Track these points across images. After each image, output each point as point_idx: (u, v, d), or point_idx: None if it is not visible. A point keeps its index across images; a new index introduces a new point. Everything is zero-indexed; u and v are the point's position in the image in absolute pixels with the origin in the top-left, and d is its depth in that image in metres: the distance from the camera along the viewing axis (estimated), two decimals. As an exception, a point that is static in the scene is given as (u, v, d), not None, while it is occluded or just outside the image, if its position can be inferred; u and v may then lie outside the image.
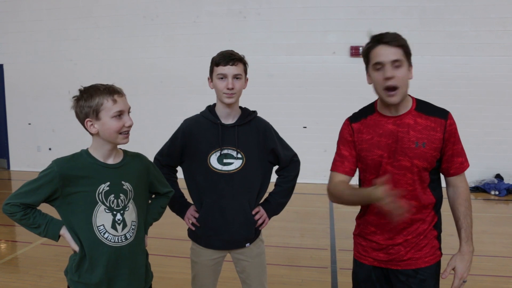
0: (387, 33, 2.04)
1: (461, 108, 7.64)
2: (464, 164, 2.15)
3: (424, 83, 7.54)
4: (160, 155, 2.58)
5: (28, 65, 9.41)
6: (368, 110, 2.21)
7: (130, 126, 1.97)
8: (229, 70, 2.36)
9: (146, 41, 8.79)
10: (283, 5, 8.28)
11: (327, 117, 8.01)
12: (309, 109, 8.23)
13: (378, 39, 2.03)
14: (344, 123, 2.26)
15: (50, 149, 9.45)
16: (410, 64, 2.05)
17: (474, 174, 7.79)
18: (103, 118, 1.92)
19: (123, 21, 8.86)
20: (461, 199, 2.13)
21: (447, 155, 2.09)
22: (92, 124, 1.94)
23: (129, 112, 2.00)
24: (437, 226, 2.20)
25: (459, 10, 7.68)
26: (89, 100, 1.91)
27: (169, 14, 8.65)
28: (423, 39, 7.70)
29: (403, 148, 2.05)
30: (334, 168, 2.24)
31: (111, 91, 1.93)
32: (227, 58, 2.37)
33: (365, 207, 2.23)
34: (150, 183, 2.19)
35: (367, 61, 2.10)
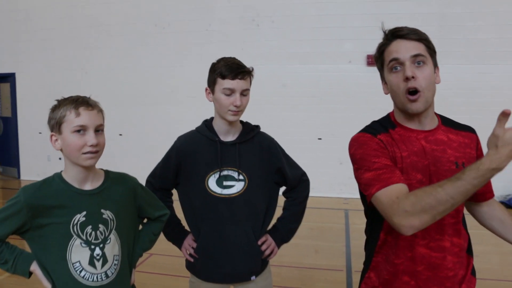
0: (404, 27, 1.68)
1: (483, 119, 7.27)
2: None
3: (444, 93, 7.23)
4: (152, 177, 2.31)
5: (39, 74, 9.32)
6: (386, 123, 1.74)
7: (94, 146, 1.67)
8: (238, 84, 2.07)
9: (158, 49, 8.63)
10: (297, 13, 8.05)
11: (343, 128, 7.72)
12: (324, 120, 7.98)
13: (393, 34, 1.67)
14: (363, 137, 1.71)
15: (60, 158, 9.30)
16: (436, 65, 1.68)
17: (498, 188, 7.38)
18: (64, 132, 1.67)
19: (135, 30, 8.72)
20: (506, 213, 1.82)
21: None
22: (56, 139, 1.70)
23: (99, 130, 1.71)
24: (474, 272, 1.80)
25: (480, 17, 7.38)
26: (56, 111, 1.68)
27: (180, 22, 8.49)
28: (443, 47, 7.32)
29: (443, 171, 1.63)
30: (384, 182, 1.56)
31: (79, 102, 1.67)
32: (235, 70, 2.06)
33: (387, 240, 1.73)
34: (139, 207, 1.92)
35: (381, 64, 1.72)
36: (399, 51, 1.63)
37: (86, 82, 8.81)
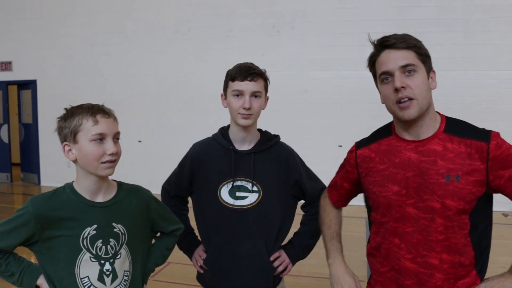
0: (393, 35, 1.63)
1: (509, 127, 7.14)
2: None
3: (468, 100, 7.13)
4: (168, 184, 2.24)
5: (60, 81, 9.35)
6: (383, 132, 1.77)
7: (113, 155, 1.61)
8: (247, 86, 1.99)
9: (177, 56, 8.61)
10: (318, 19, 7.97)
11: (363, 135, 7.54)
12: (345, 127, 7.82)
13: (381, 44, 1.63)
14: (350, 149, 1.86)
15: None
16: (430, 70, 1.62)
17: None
18: (81, 141, 1.59)
19: (154, 36, 8.72)
20: None
21: (510, 184, 1.53)
22: (69, 149, 1.62)
23: (116, 138, 1.65)
24: None
25: (506, 22, 7.20)
26: (69, 120, 1.60)
27: (200, 28, 8.47)
28: (467, 53, 7.26)
29: (429, 184, 1.57)
30: (328, 189, 2.03)
31: (95, 110, 1.60)
32: (245, 72, 2.00)
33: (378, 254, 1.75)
34: (152, 221, 1.84)
35: (374, 75, 1.71)
36: (388, 63, 1.59)
37: (106, 89, 8.82)
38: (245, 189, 2.07)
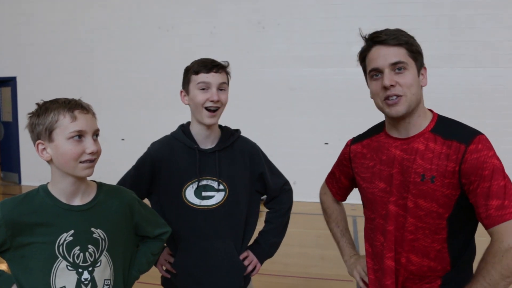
0: (384, 30, 1.60)
1: (496, 124, 7.16)
2: (507, 210, 1.41)
3: (455, 97, 7.13)
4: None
5: (41, 78, 9.14)
6: (376, 129, 1.79)
7: (93, 153, 1.48)
8: (213, 78, 1.93)
9: (161, 52, 8.47)
10: (304, 15, 7.89)
11: (350, 133, 7.42)
12: (332, 124, 7.78)
13: (373, 39, 1.61)
14: (346, 144, 1.89)
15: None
16: (421, 67, 1.60)
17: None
18: (57, 140, 1.45)
19: (138, 32, 8.57)
20: (486, 253, 1.47)
21: (473, 195, 1.47)
22: (44, 148, 1.48)
23: (96, 135, 1.53)
24: None
25: (492, 19, 7.19)
26: (43, 116, 1.46)
27: (185, 24, 8.34)
28: (454, 50, 7.25)
29: (407, 182, 1.57)
30: (327, 181, 2.06)
31: (73, 105, 1.47)
32: (209, 64, 1.93)
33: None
34: (136, 224, 1.71)
35: (364, 70, 1.69)
36: (378, 59, 1.58)
37: (89, 87, 8.59)
38: (211, 188, 2.01)
